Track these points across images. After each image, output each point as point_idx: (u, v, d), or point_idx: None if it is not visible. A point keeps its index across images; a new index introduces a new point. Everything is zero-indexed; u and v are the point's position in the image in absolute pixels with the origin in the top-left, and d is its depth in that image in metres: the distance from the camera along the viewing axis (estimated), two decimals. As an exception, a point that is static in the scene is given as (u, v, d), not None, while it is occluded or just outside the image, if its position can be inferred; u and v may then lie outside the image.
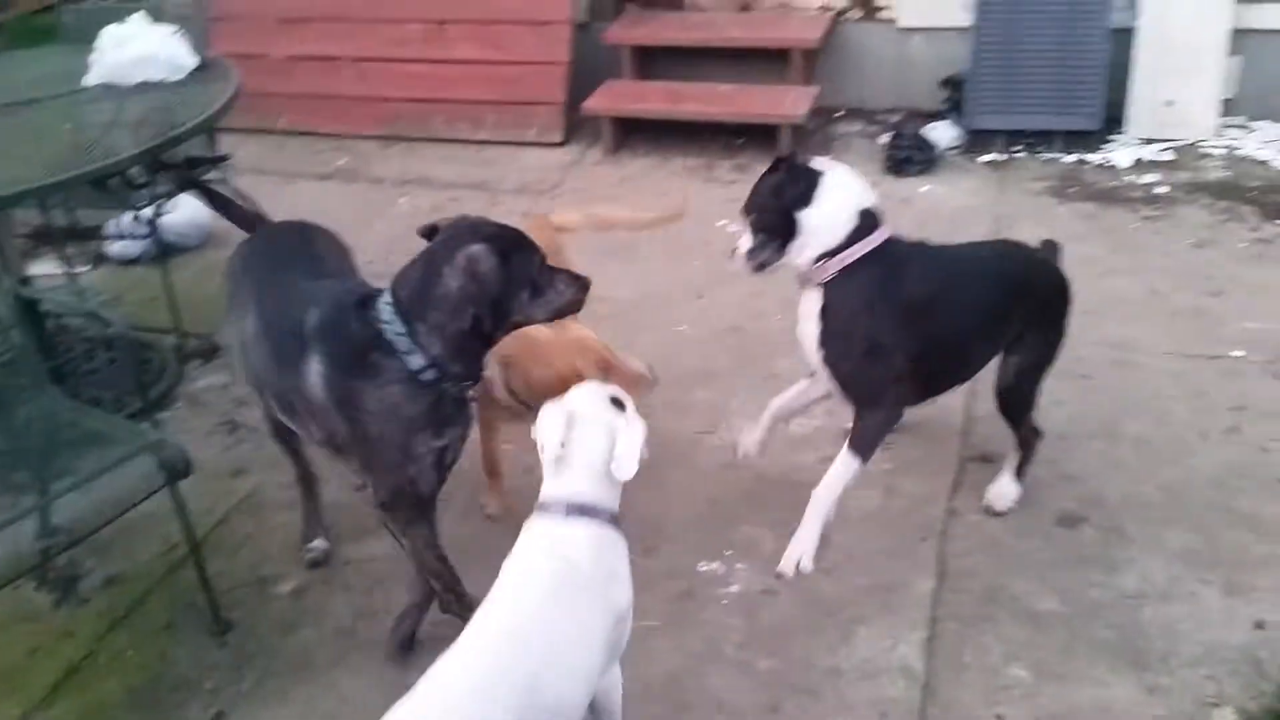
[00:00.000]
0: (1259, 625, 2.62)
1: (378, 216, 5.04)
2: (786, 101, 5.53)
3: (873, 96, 5.90)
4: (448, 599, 2.58)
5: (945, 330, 2.71)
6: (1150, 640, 2.60)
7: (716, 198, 4.89)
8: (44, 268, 4.43)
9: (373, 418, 2.30)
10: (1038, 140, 5.31)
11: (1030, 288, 2.83)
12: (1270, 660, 2.52)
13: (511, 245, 2.29)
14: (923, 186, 5.09)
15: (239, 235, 2.87)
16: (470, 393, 2.42)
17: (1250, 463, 3.16)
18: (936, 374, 2.81)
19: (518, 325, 2.38)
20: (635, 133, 5.78)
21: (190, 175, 3.19)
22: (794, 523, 2.85)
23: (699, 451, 3.28)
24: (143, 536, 2.98)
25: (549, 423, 2.07)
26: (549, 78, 5.86)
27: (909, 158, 5.18)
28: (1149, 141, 5.25)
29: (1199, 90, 5.19)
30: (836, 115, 5.91)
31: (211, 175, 3.27)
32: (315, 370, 2.32)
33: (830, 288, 2.64)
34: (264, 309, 2.50)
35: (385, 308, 2.28)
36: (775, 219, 2.64)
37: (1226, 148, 5.19)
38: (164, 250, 4.17)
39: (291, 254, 2.67)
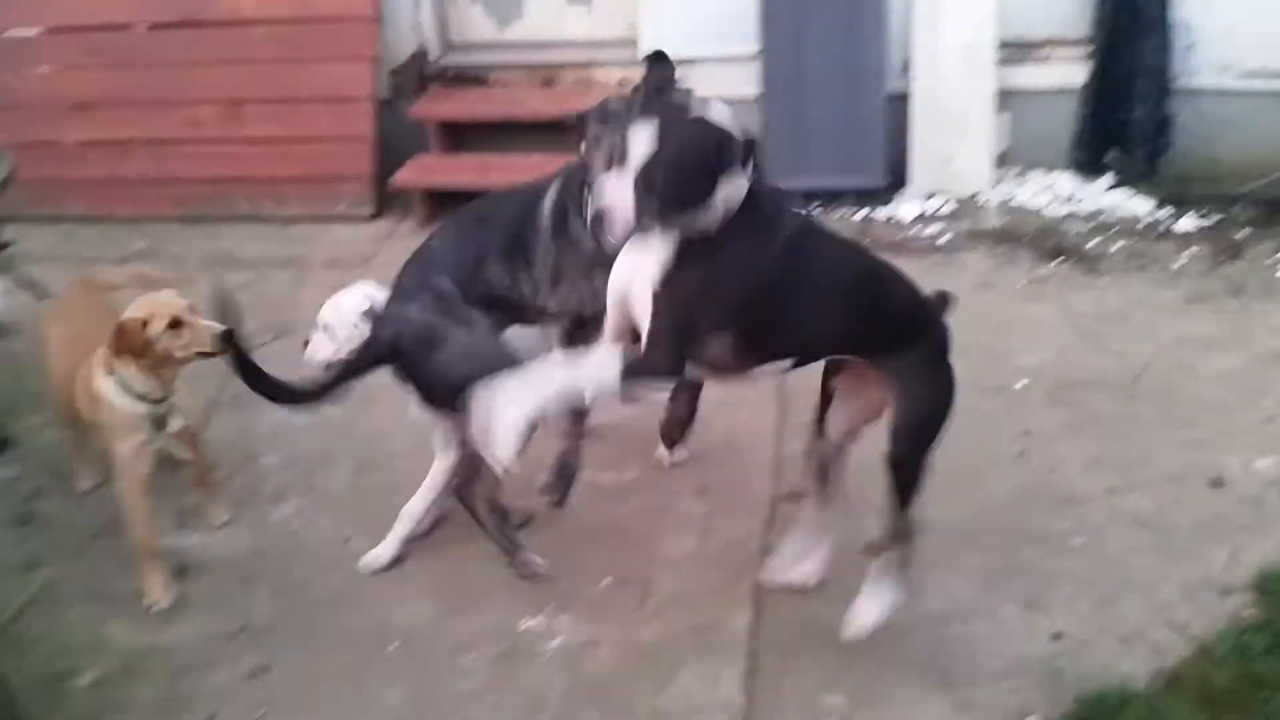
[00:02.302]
0: (1056, 636, 2.75)
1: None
2: (593, 170, 5.65)
3: (676, 163, 6.07)
4: None
5: None
6: (956, 658, 2.70)
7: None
8: None
9: None
10: (831, 198, 5.57)
11: None
12: (1070, 669, 2.63)
13: None
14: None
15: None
16: None
17: (1039, 484, 3.36)
18: None
19: None
20: (448, 205, 5.75)
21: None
22: (617, 571, 2.87)
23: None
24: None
25: None
26: (353, 152, 5.83)
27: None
28: (931, 196, 5.55)
29: (972, 146, 5.53)
30: (643, 182, 6.07)
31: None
32: None
33: None
34: None
35: None
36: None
37: (1002, 198, 5.53)
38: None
39: None
